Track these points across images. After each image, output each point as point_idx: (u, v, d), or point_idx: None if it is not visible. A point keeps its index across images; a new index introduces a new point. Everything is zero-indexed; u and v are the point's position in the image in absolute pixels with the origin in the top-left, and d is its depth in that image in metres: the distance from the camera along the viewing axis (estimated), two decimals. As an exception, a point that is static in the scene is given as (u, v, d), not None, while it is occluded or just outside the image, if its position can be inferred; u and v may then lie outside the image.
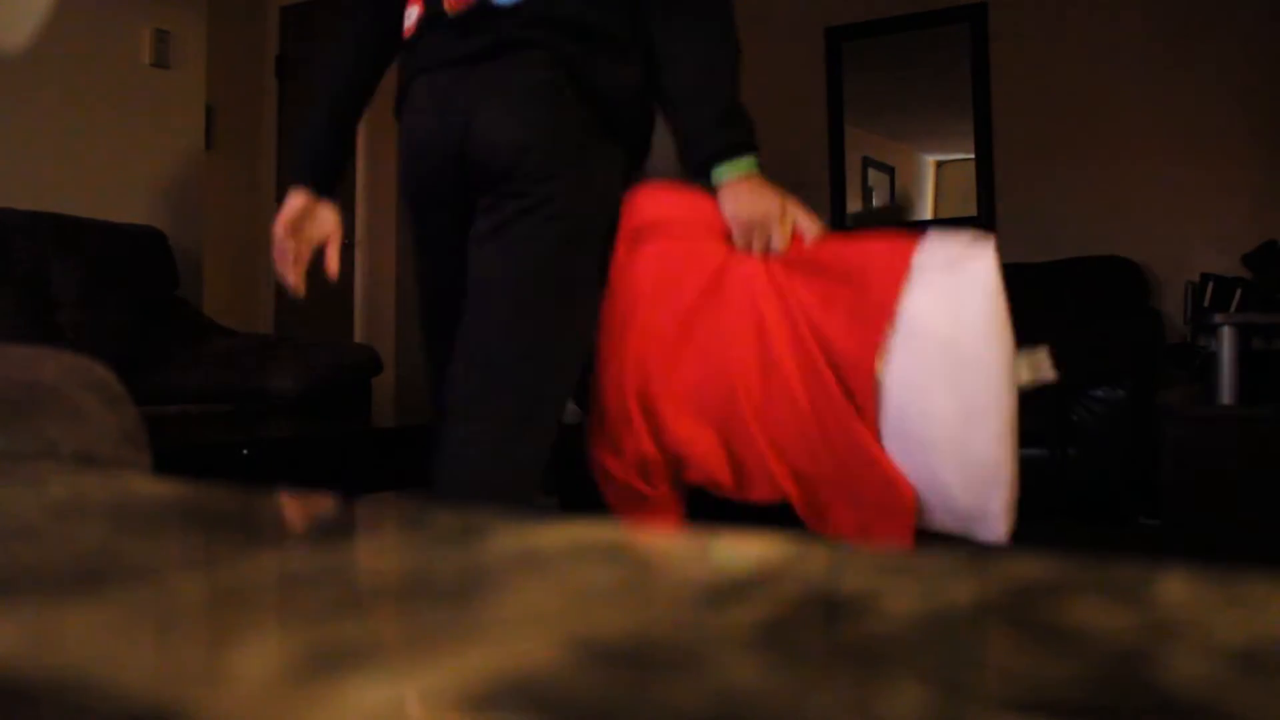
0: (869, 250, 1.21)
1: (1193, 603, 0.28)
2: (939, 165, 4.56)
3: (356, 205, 4.19)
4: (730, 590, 0.29)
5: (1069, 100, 4.15)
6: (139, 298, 3.03)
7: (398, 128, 1.46)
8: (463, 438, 1.30)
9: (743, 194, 1.29)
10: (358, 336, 4.09)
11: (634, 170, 1.42)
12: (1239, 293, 3.14)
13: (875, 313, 1.11)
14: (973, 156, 4.35)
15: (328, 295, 4.25)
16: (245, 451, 1.76)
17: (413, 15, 1.42)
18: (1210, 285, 3.26)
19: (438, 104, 1.37)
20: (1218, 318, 2.10)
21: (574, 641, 0.24)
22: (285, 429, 2.25)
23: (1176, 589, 0.29)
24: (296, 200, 1.53)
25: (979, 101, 4.32)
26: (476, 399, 1.30)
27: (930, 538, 1.11)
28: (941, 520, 1.06)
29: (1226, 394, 2.07)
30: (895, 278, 1.11)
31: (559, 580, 0.31)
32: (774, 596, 0.28)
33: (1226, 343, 2.07)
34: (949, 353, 1.05)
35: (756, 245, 1.28)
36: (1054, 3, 4.21)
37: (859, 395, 1.10)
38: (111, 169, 3.24)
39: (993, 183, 4.32)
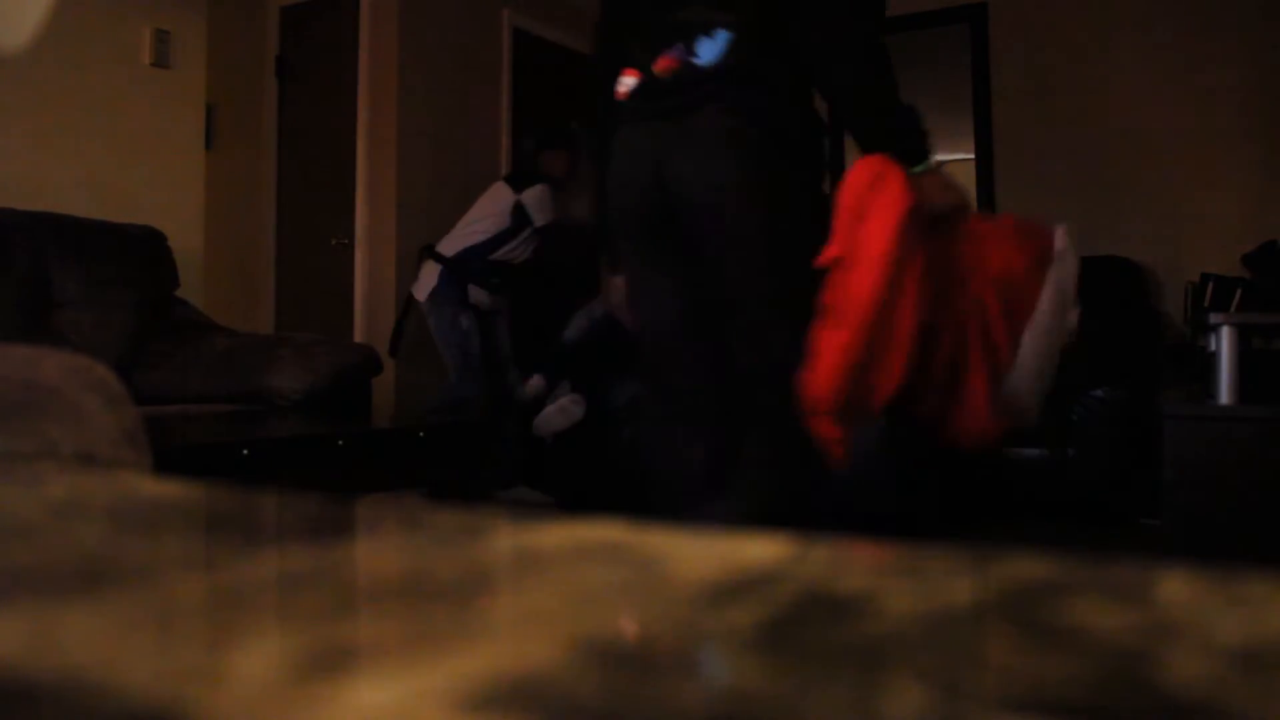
0: (1034, 225, 1.67)
1: (1193, 603, 0.28)
2: (939, 165, 4.55)
3: (356, 205, 4.19)
4: (730, 590, 0.29)
5: (1069, 100, 4.15)
6: (139, 298, 3.02)
7: (599, 174, 1.81)
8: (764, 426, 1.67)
9: (932, 186, 1.61)
10: (358, 336, 4.09)
11: (820, 183, 1.77)
12: (1239, 293, 3.14)
13: (1044, 256, 1.59)
14: (973, 156, 4.35)
15: (328, 295, 4.26)
16: (245, 451, 1.76)
17: (630, 83, 1.73)
18: (1210, 285, 3.26)
19: (637, 153, 1.68)
20: (1217, 318, 2.10)
21: (574, 641, 0.24)
22: (285, 429, 2.25)
23: (1176, 589, 0.29)
24: (619, 282, 1.88)
25: (979, 101, 4.32)
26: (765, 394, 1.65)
27: (930, 538, 1.14)
28: (1010, 390, 1.62)
29: (1226, 394, 2.07)
30: (1051, 241, 1.60)
31: (559, 580, 0.31)
32: (774, 596, 0.28)
33: (1226, 343, 2.07)
34: (1061, 295, 1.58)
35: (950, 221, 1.63)
36: (1054, 3, 4.20)
37: (1025, 303, 1.59)
38: (111, 169, 3.24)
39: (993, 183, 4.32)
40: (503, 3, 4.56)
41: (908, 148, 1.61)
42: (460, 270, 3.68)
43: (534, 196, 3.71)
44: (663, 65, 1.66)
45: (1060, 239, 1.59)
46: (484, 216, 3.74)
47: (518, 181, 3.76)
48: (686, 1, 1.68)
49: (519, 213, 3.70)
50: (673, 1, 1.69)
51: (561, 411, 3.79)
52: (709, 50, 1.63)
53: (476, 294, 3.73)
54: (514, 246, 3.75)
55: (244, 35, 4.35)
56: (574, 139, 3.90)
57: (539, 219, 3.70)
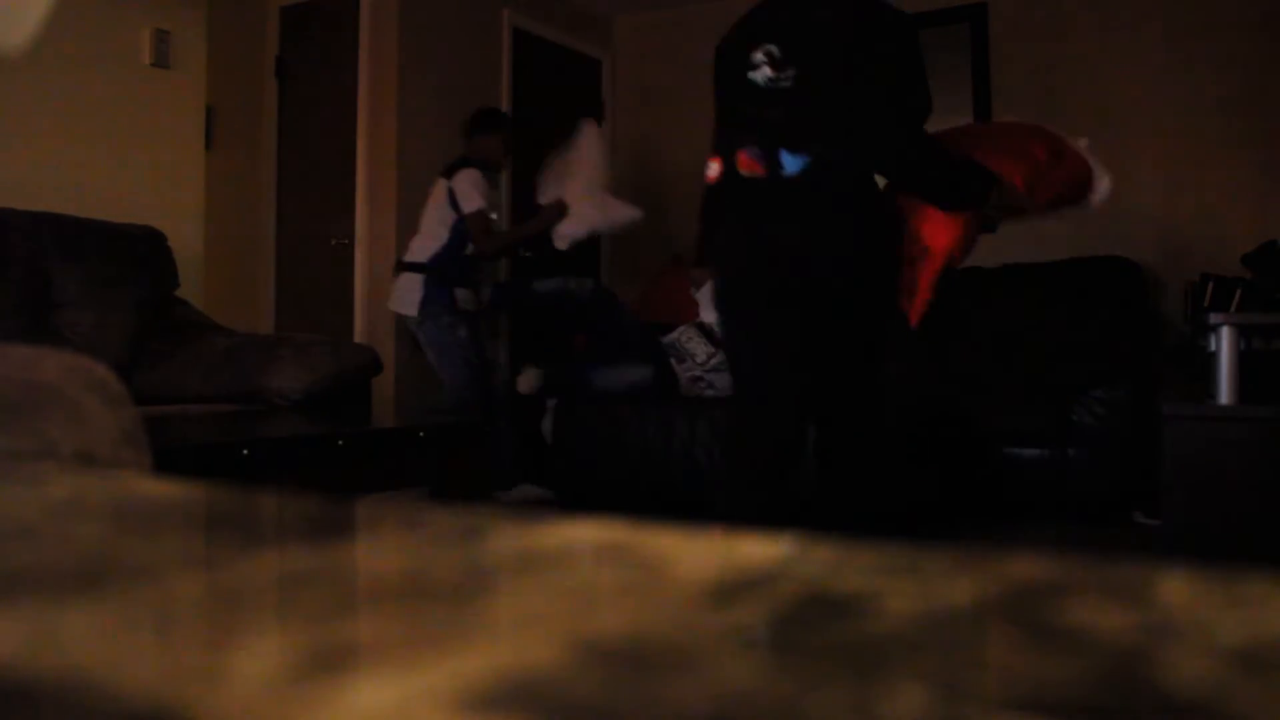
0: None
1: (1193, 603, 0.28)
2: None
3: (357, 205, 4.18)
4: (730, 590, 0.29)
5: (1069, 100, 4.15)
6: (139, 298, 3.03)
7: (713, 259, 2.27)
8: (858, 446, 2.16)
9: (998, 209, 2.27)
10: (358, 336, 4.09)
11: (890, 249, 2.16)
12: (1239, 293, 3.13)
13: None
14: (973, 156, 4.35)
15: (328, 295, 4.25)
16: (245, 451, 1.76)
17: (714, 169, 2.13)
18: (1210, 285, 3.26)
19: (748, 240, 2.08)
20: (1217, 318, 2.10)
21: (574, 641, 0.24)
22: (285, 429, 2.25)
23: (1176, 589, 0.29)
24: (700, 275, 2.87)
25: (979, 101, 4.32)
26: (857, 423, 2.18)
27: (929, 537, 1.15)
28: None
29: (1226, 394, 2.06)
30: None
31: (559, 580, 0.31)
32: (774, 596, 0.28)
33: (1226, 343, 2.07)
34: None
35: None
36: (1054, 3, 4.20)
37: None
38: (111, 169, 3.24)
39: (993, 183, 4.31)
40: (503, 3, 4.56)
41: (975, 204, 2.18)
42: (441, 276, 3.59)
43: (460, 181, 3.56)
44: (746, 166, 2.05)
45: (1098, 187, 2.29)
46: (435, 217, 3.64)
47: (449, 170, 3.64)
48: (770, 100, 2.04)
49: (455, 201, 3.57)
50: (757, 96, 2.05)
51: (526, 379, 3.82)
52: (793, 164, 2.00)
53: (463, 297, 3.65)
54: None
55: (244, 35, 4.35)
56: (505, 123, 3.79)
57: (466, 205, 3.55)
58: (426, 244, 3.63)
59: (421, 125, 4.18)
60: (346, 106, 4.20)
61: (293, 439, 2.01)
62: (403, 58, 4.11)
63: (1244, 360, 2.07)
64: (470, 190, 3.55)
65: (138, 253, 3.09)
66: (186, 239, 3.39)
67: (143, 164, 3.33)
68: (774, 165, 2.01)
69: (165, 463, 0.87)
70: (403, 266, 3.70)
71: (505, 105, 4.55)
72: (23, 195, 2.91)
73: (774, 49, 2.04)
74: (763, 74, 2.04)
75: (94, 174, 3.19)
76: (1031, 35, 4.24)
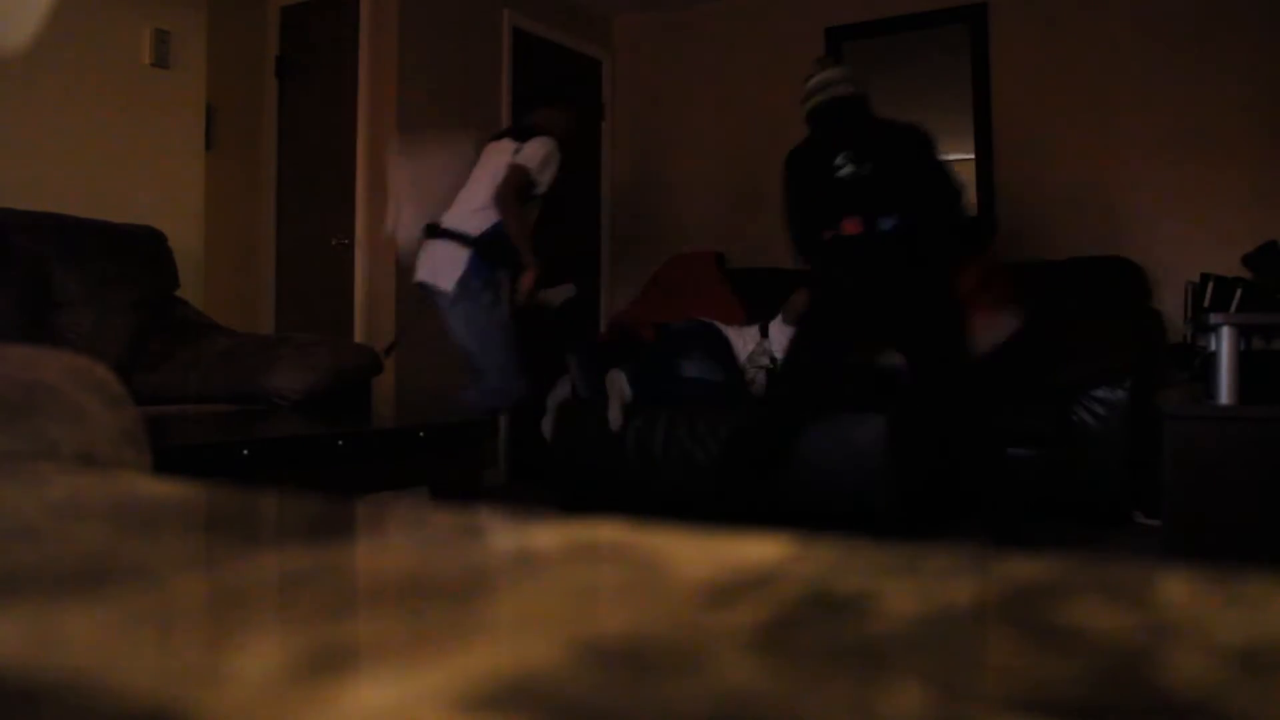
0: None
1: (1193, 603, 0.28)
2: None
3: (357, 205, 4.18)
4: (730, 590, 0.29)
5: (1069, 100, 4.15)
6: (139, 298, 3.03)
7: (820, 292, 3.16)
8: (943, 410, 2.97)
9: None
10: (358, 336, 4.09)
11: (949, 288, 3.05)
12: (1239, 293, 3.13)
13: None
14: (973, 156, 4.35)
15: (328, 295, 4.25)
16: (245, 451, 1.76)
17: (827, 235, 3.01)
18: (1210, 285, 3.26)
19: (850, 288, 2.99)
20: (1217, 318, 2.10)
21: (574, 641, 0.24)
22: (285, 429, 2.25)
23: (1176, 589, 0.29)
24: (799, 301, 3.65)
25: (979, 101, 4.32)
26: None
27: (928, 537, 1.15)
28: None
29: (1226, 394, 2.06)
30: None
31: (559, 580, 0.31)
32: (774, 596, 0.28)
33: (1226, 342, 2.07)
34: None
35: None
36: (1054, 3, 4.20)
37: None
38: (111, 169, 3.24)
39: (993, 183, 4.31)
40: (503, 3, 4.56)
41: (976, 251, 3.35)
42: (489, 252, 3.15)
43: (533, 144, 3.20)
44: (851, 228, 2.93)
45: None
46: (493, 185, 3.22)
47: (521, 133, 3.29)
48: (858, 186, 2.94)
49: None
50: (846, 186, 2.97)
51: (557, 293, 3.46)
52: (886, 223, 2.90)
53: (505, 278, 3.26)
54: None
55: (244, 35, 4.35)
56: (572, 100, 3.54)
57: (543, 182, 3.20)
58: (479, 215, 3.21)
59: (421, 125, 4.18)
60: (346, 106, 4.20)
61: (293, 439, 2.01)
62: (403, 58, 4.11)
63: (1244, 360, 2.07)
64: (536, 153, 3.20)
65: (138, 253, 3.09)
66: (186, 239, 3.39)
67: (143, 164, 3.33)
68: (871, 226, 2.92)
69: (165, 463, 0.87)
70: (440, 233, 3.25)
71: (505, 105, 4.55)
72: (23, 195, 2.91)
73: (849, 153, 2.97)
74: (848, 170, 2.97)
75: (94, 174, 3.19)
76: (1031, 35, 4.24)
